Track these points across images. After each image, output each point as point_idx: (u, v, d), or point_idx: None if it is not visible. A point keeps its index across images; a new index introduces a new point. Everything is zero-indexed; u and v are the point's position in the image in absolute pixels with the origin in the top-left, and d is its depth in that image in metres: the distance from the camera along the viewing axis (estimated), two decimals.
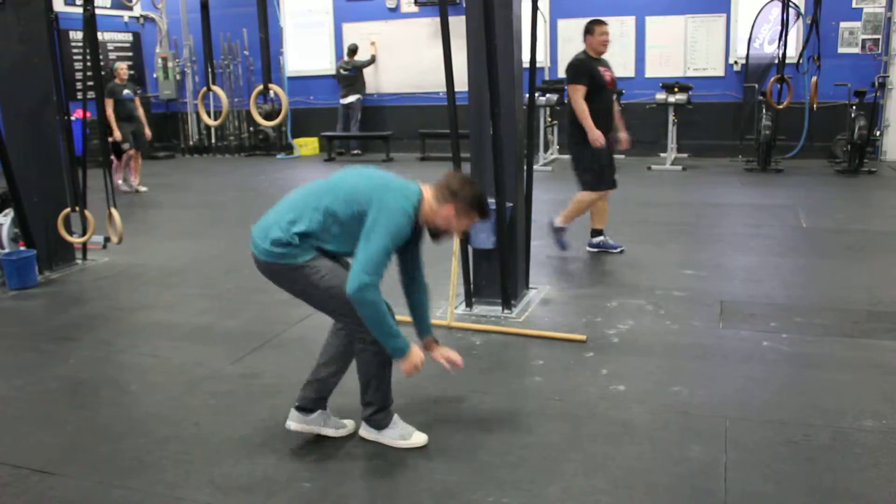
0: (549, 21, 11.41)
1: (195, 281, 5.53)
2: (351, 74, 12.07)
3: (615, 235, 5.93)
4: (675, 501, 2.56)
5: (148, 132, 9.82)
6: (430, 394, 3.37)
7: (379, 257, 2.62)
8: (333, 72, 12.60)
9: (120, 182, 9.34)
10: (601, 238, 5.85)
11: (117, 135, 9.14)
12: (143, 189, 9.65)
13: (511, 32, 4.33)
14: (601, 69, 5.49)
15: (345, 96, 12.16)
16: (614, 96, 5.75)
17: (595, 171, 5.54)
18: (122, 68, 9.64)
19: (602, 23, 5.55)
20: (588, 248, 5.86)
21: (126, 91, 9.43)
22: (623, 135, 5.85)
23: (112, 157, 9.19)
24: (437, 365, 3.01)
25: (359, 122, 12.24)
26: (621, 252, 5.77)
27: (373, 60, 12.19)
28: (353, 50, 12.08)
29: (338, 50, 12.62)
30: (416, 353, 2.78)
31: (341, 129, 12.30)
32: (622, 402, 3.30)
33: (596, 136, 5.37)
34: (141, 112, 9.64)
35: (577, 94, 5.42)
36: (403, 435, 2.92)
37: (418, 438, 2.93)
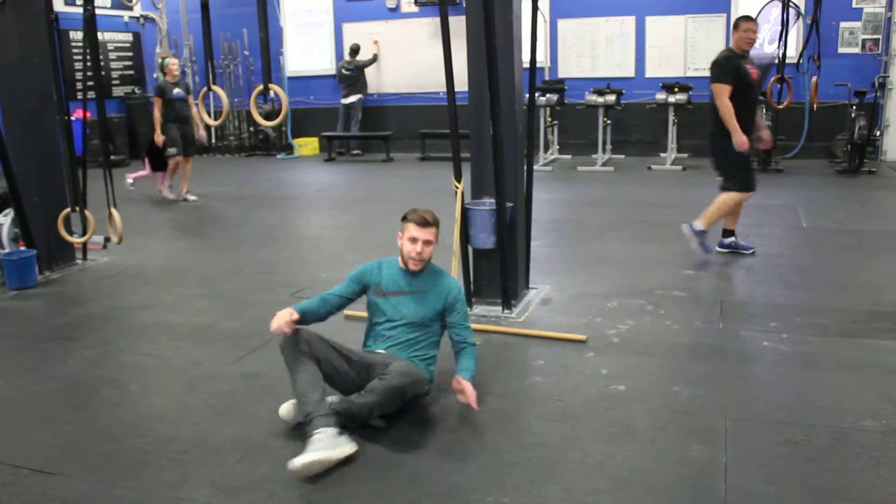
0: (549, 21, 11.41)
1: (195, 281, 5.53)
2: (353, 74, 12.08)
3: (615, 235, 5.92)
4: (675, 501, 2.56)
5: (202, 134, 8.97)
6: (430, 395, 3.36)
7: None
8: (334, 72, 12.61)
9: (163, 189, 8.83)
10: (732, 239, 5.68)
11: (159, 138, 8.38)
12: (191, 198, 8.80)
13: (511, 32, 4.33)
14: (748, 66, 5.30)
15: (346, 96, 12.16)
16: (758, 95, 5.54)
17: (740, 173, 5.39)
18: (174, 64, 8.59)
19: (748, 19, 5.36)
20: (718, 249, 5.68)
21: (177, 90, 8.51)
22: (765, 133, 5.69)
23: (146, 161, 8.68)
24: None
25: (359, 122, 12.24)
26: (752, 254, 5.59)
27: (374, 60, 12.19)
28: (355, 50, 12.08)
29: (338, 50, 12.62)
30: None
31: (342, 129, 12.30)
32: (622, 402, 3.30)
33: (741, 141, 5.20)
34: (194, 112, 8.65)
35: (723, 93, 5.22)
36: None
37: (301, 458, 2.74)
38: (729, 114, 5.20)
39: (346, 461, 2.80)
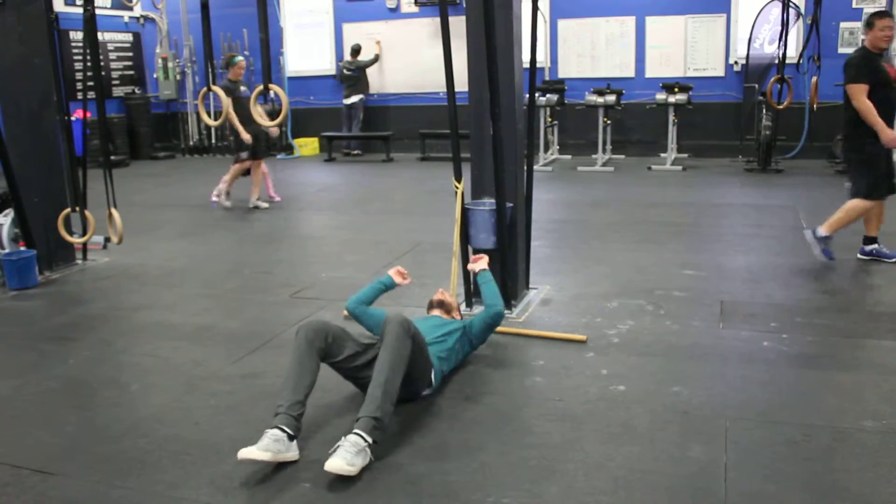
0: (549, 21, 11.41)
1: (195, 281, 5.53)
2: (354, 75, 12.08)
3: (615, 235, 5.91)
4: (675, 501, 2.56)
5: (274, 131, 8.41)
6: (430, 395, 3.37)
7: None
8: (334, 72, 12.63)
9: (218, 198, 8.28)
10: (875, 246, 5.42)
11: (246, 136, 7.79)
12: (263, 205, 8.23)
13: (511, 32, 4.33)
14: (884, 65, 5.15)
15: (348, 96, 12.16)
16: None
17: (871, 179, 5.19)
18: (243, 62, 8.21)
19: (885, 15, 5.17)
20: (859, 256, 5.44)
21: (243, 88, 8.13)
22: None
23: (237, 165, 8.16)
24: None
25: (361, 122, 12.24)
26: None
27: (376, 60, 12.19)
28: (357, 50, 12.08)
29: (338, 50, 12.63)
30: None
31: (345, 129, 12.30)
32: (622, 402, 3.30)
33: (890, 137, 5.01)
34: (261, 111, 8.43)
35: (860, 93, 5.06)
36: None
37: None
38: (871, 113, 5.04)
39: None
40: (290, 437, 2.80)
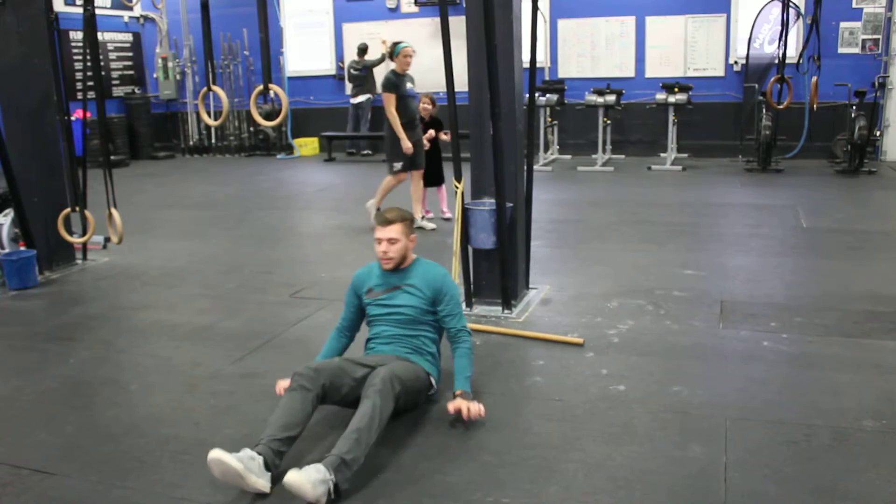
0: (549, 21, 11.40)
1: (195, 281, 5.53)
2: (361, 74, 12.06)
3: (615, 235, 5.91)
4: (675, 501, 2.56)
5: (431, 132, 7.11)
6: (436, 391, 3.36)
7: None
8: (334, 72, 12.62)
9: (373, 212, 6.83)
10: None
11: (408, 145, 6.52)
12: (429, 226, 6.85)
13: (511, 32, 4.33)
14: None
15: (355, 96, 12.15)
16: None
17: None
18: (409, 53, 6.67)
19: None
20: None
21: (409, 85, 6.77)
22: None
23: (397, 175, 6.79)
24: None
25: (369, 121, 12.23)
26: None
27: (383, 59, 12.17)
28: (363, 49, 12.06)
29: (338, 50, 12.62)
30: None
31: (351, 129, 12.29)
32: (622, 402, 3.30)
33: None
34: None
35: None
36: None
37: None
38: None
39: None
40: (266, 468, 2.64)
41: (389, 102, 6.50)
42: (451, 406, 3.07)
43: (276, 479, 2.63)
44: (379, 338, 3.35)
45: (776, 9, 9.30)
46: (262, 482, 2.60)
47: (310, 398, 2.87)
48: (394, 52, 6.75)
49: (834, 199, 7.96)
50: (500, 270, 4.42)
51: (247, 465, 2.59)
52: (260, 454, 2.65)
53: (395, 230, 3.31)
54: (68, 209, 5.51)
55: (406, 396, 3.04)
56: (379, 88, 12.25)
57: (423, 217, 6.89)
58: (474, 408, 3.05)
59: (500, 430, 3.06)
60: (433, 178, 7.11)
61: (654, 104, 10.45)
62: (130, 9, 12.77)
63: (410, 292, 3.35)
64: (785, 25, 5.64)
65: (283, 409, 2.82)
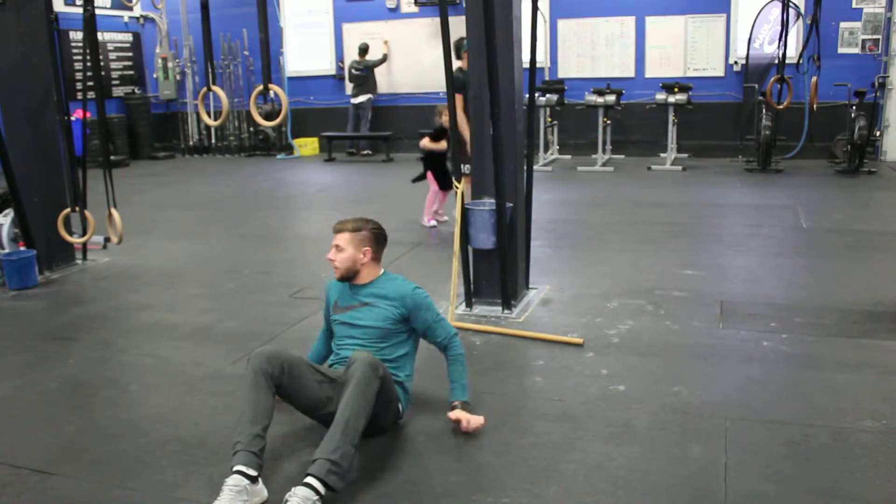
0: (549, 21, 11.41)
1: (195, 281, 5.53)
2: (362, 74, 12.06)
3: (615, 235, 5.91)
4: (675, 501, 2.56)
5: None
6: (431, 394, 3.37)
7: None
8: (334, 72, 12.62)
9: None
10: None
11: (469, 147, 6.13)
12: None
13: (511, 32, 4.33)
14: None
15: (355, 96, 12.15)
16: None
17: None
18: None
19: None
20: None
21: None
22: None
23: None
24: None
25: (369, 121, 12.22)
26: None
27: (384, 59, 12.18)
28: (364, 49, 12.06)
29: (338, 50, 12.62)
30: None
31: (352, 128, 12.29)
32: (622, 402, 3.30)
33: None
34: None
35: None
36: None
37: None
38: None
39: None
40: (254, 479, 2.53)
41: (460, 105, 5.49)
42: (452, 416, 3.03)
43: (266, 476, 2.63)
44: (343, 348, 3.13)
45: (776, 9, 9.30)
46: (257, 500, 2.55)
47: (268, 381, 2.72)
48: (461, 47, 6.04)
49: (834, 199, 7.96)
50: (499, 270, 4.42)
51: (249, 495, 2.50)
52: (243, 471, 2.51)
53: (342, 238, 3.13)
54: (68, 209, 5.51)
55: (385, 386, 2.82)
56: (379, 88, 12.41)
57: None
58: (474, 421, 3.00)
59: (500, 430, 3.06)
60: (448, 182, 6.93)
61: (653, 104, 10.45)
62: (130, 9, 12.77)
63: (375, 310, 3.12)
64: (785, 25, 5.64)
65: (247, 401, 2.68)
